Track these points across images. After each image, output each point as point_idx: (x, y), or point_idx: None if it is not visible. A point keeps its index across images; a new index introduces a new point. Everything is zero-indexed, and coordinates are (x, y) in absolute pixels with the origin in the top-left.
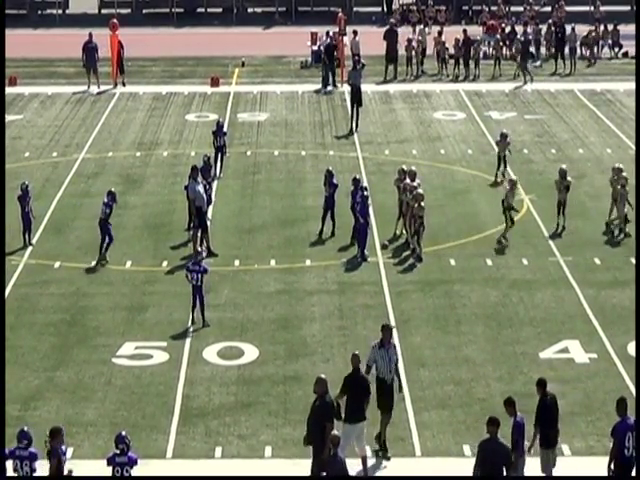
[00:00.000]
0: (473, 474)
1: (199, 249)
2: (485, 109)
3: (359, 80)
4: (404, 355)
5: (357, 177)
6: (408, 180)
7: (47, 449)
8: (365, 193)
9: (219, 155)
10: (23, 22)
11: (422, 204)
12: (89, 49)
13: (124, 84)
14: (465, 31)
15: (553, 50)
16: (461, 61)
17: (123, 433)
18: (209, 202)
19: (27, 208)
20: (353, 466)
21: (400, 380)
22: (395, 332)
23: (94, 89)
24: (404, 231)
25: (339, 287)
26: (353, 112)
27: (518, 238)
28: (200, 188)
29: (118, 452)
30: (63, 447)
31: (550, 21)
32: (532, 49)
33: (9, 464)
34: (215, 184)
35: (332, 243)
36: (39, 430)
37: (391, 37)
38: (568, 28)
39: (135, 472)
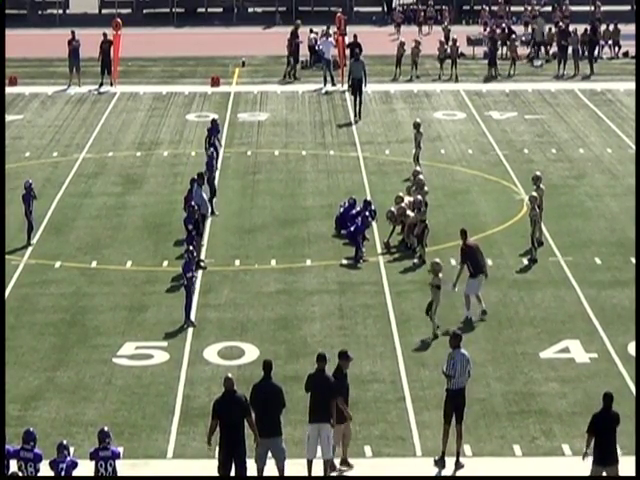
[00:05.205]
0: None
1: (190, 248)
2: (485, 109)
3: (360, 72)
4: (404, 355)
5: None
6: (406, 201)
7: None
8: (372, 207)
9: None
10: (23, 22)
11: (422, 209)
12: (73, 47)
13: (111, 84)
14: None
15: (556, 51)
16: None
17: (105, 428)
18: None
19: (31, 206)
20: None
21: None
22: (395, 332)
23: (75, 88)
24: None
25: (339, 287)
26: (356, 101)
27: (518, 238)
28: (205, 195)
29: (100, 447)
30: None
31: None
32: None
33: (13, 463)
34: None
35: (332, 243)
36: (39, 430)
37: None
38: (571, 29)
39: (135, 472)
